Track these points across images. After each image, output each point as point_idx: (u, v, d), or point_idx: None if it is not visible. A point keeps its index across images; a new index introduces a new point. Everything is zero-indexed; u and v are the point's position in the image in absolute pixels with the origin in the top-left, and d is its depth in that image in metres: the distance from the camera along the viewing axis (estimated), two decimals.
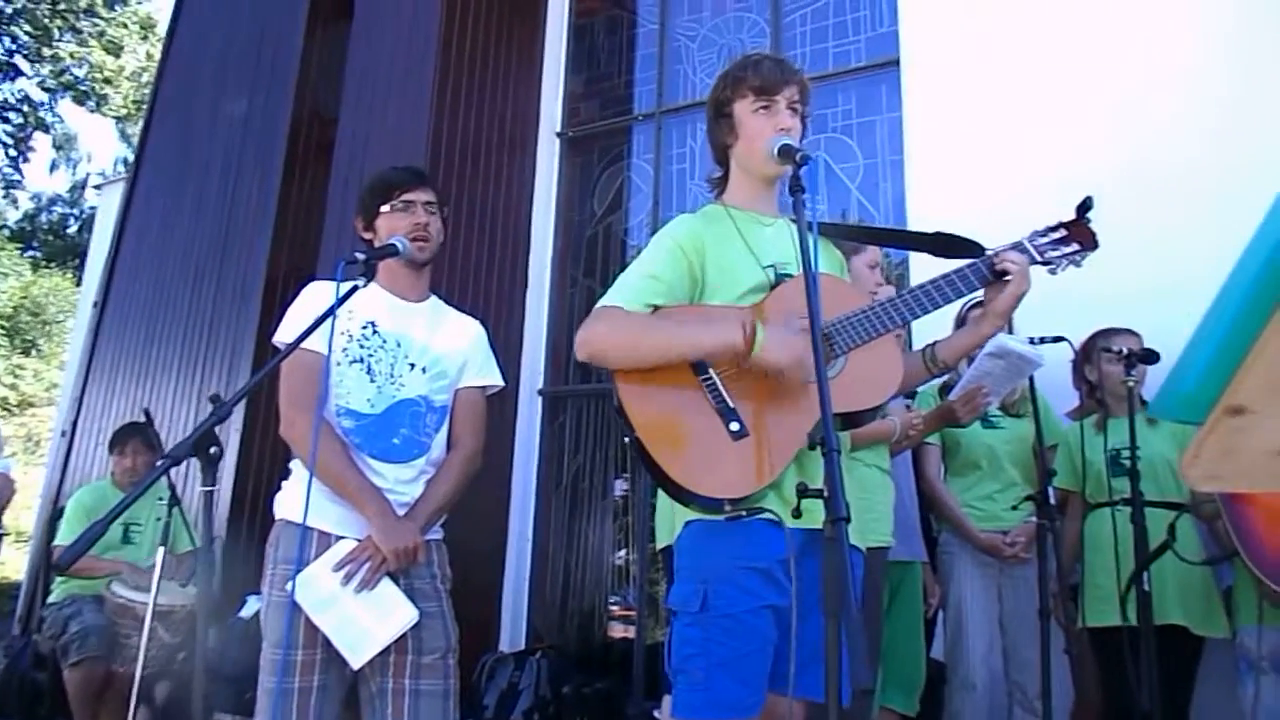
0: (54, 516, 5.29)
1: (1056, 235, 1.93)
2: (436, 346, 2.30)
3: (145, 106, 7.43)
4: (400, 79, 5.20)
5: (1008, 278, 1.86)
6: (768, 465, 1.69)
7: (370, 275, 2.08)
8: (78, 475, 5.94)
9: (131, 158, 8.50)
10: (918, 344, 2.11)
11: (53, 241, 22.48)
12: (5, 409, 18.31)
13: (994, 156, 3.98)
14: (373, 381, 2.20)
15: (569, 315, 5.35)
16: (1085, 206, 1.92)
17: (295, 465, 2.21)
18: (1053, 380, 3.13)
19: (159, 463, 1.68)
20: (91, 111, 20.55)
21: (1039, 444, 2.92)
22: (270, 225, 5.41)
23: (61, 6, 18.93)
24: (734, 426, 1.70)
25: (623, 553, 4.96)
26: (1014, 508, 3.04)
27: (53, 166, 22.36)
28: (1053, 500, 2.74)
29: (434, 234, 2.31)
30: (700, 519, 1.75)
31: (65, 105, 20.98)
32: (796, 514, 1.44)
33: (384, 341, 2.24)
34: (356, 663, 2.01)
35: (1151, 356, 2.74)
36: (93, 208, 16.42)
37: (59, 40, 19.35)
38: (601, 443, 5.12)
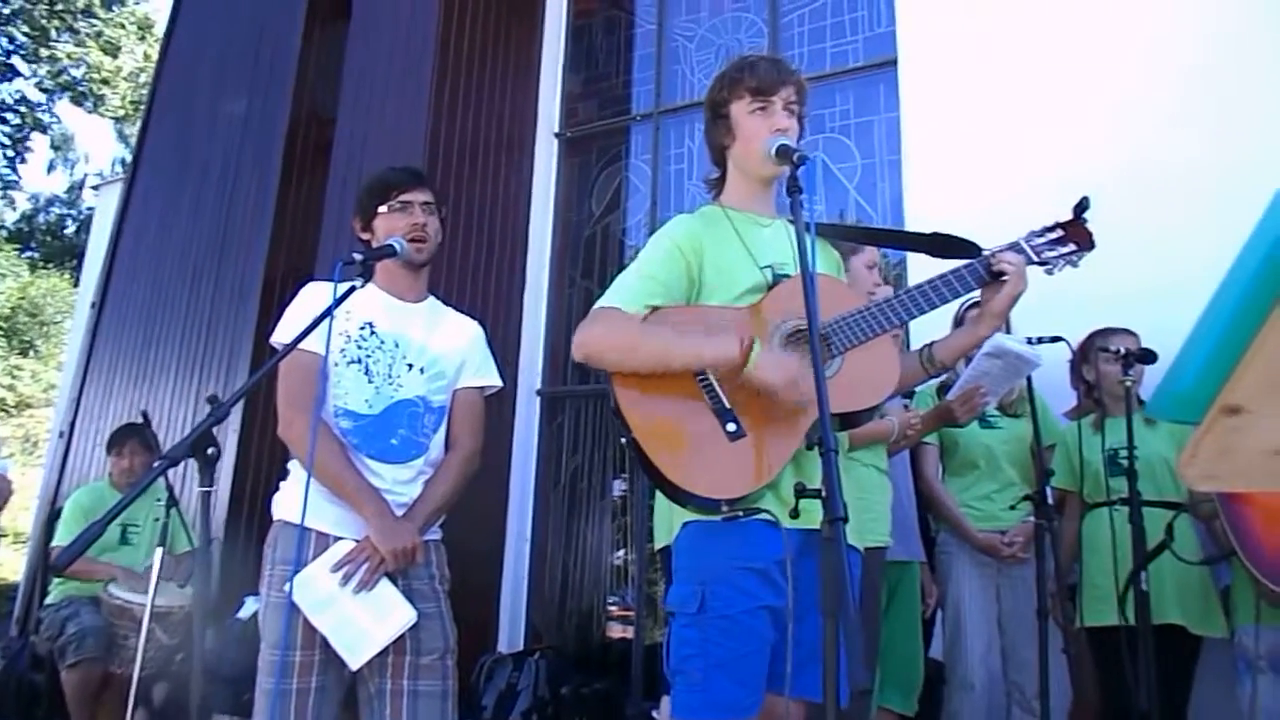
0: (52, 518, 5.28)
1: (1053, 235, 1.93)
2: (434, 347, 2.30)
3: (143, 107, 7.42)
4: (398, 79, 5.20)
5: (1004, 278, 1.86)
6: (765, 465, 1.69)
7: (368, 276, 2.08)
8: (75, 476, 5.93)
9: (129, 158, 8.49)
10: (916, 345, 2.11)
11: (50, 242, 22.45)
12: (3, 410, 18.29)
13: (991, 156, 3.99)
14: (370, 382, 2.20)
15: (567, 316, 5.34)
16: (1082, 207, 1.92)
17: (293, 466, 2.21)
18: (1050, 380, 3.13)
19: (156, 464, 1.68)
20: (89, 112, 20.55)
21: (1037, 444, 2.92)
22: (268, 226, 5.40)
23: (59, 7, 18.92)
24: (731, 427, 1.70)
25: (621, 553, 4.96)
26: (1012, 507, 3.04)
27: (50, 167, 22.37)
28: (1050, 500, 2.75)
29: (432, 234, 2.31)
30: (698, 520, 1.74)
31: (63, 106, 21.01)
32: (794, 514, 1.44)
33: (382, 342, 2.24)
34: (355, 663, 2.01)
35: (1149, 356, 2.74)
36: (90, 208, 16.40)
37: (56, 41, 19.34)
38: (600, 443, 5.12)
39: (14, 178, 20.95)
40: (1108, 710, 2.87)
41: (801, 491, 1.38)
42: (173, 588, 3.71)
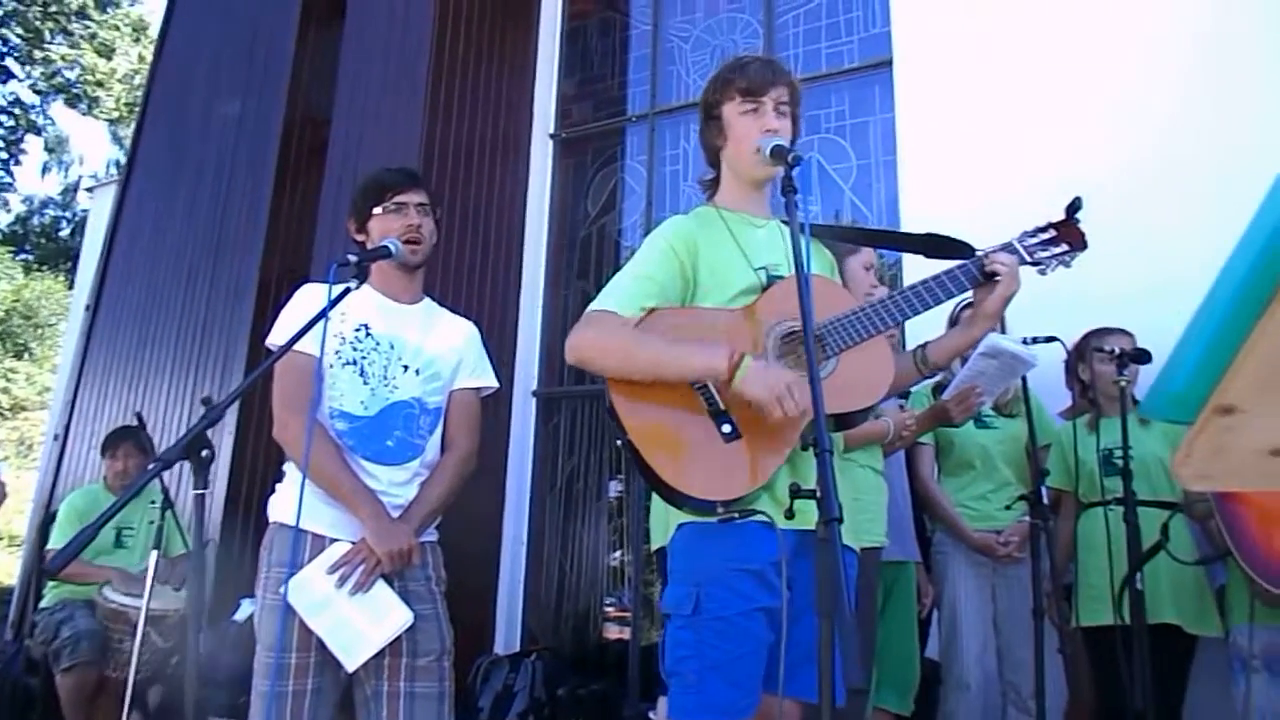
0: (46, 521, 5.27)
1: (1046, 236, 1.94)
2: (430, 348, 2.30)
3: (137, 109, 7.40)
4: (393, 81, 5.20)
5: (997, 279, 1.87)
6: (760, 467, 1.69)
7: (363, 277, 2.07)
8: (70, 479, 5.92)
9: (124, 160, 8.46)
10: (912, 345, 2.12)
11: (45, 244, 22.38)
12: None
13: (987, 157, 3.99)
14: (366, 384, 2.20)
15: (563, 317, 5.34)
16: (1074, 207, 1.93)
17: (289, 468, 2.21)
18: (1045, 380, 3.14)
19: (150, 466, 1.68)
20: (83, 114, 20.52)
21: (1032, 444, 2.93)
22: (263, 227, 5.39)
23: (53, 9, 18.88)
24: (726, 429, 1.71)
25: (618, 554, 4.95)
26: (1007, 507, 3.05)
27: (44, 169, 22.27)
28: (1046, 500, 2.75)
29: (426, 236, 2.31)
30: (693, 521, 1.74)
31: (57, 108, 20.98)
32: (789, 515, 1.44)
33: (377, 344, 2.24)
34: (351, 665, 2.01)
35: (1144, 356, 2.75)
36: (85, 210, 16.35)
37: (50, 43, 19.30)
38: (596, 444, 5.12)
39: (8, 180, 20.93)
40: (1103, 709, 2.87)
41: (796, 492, 1.38)
42: (168, 591, 3.69)
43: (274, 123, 5.64)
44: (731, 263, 1.86)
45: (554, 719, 4.05)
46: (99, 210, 9.59)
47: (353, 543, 2.07)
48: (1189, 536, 2.89)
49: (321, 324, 1.95)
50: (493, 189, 5.29)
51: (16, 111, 20.01)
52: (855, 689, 1.17)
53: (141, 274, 6.13)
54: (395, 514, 2.13)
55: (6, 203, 21.66)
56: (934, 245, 2.01)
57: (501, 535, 4.96)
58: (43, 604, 4.01)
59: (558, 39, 5.89)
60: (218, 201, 5.80)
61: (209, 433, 1.68)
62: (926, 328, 2.46)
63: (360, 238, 2.34)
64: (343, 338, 2.21)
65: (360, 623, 2.02)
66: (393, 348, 2.25)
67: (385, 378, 2.22)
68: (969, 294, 1.96)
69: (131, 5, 20.48)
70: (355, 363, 2.20)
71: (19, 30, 18.79)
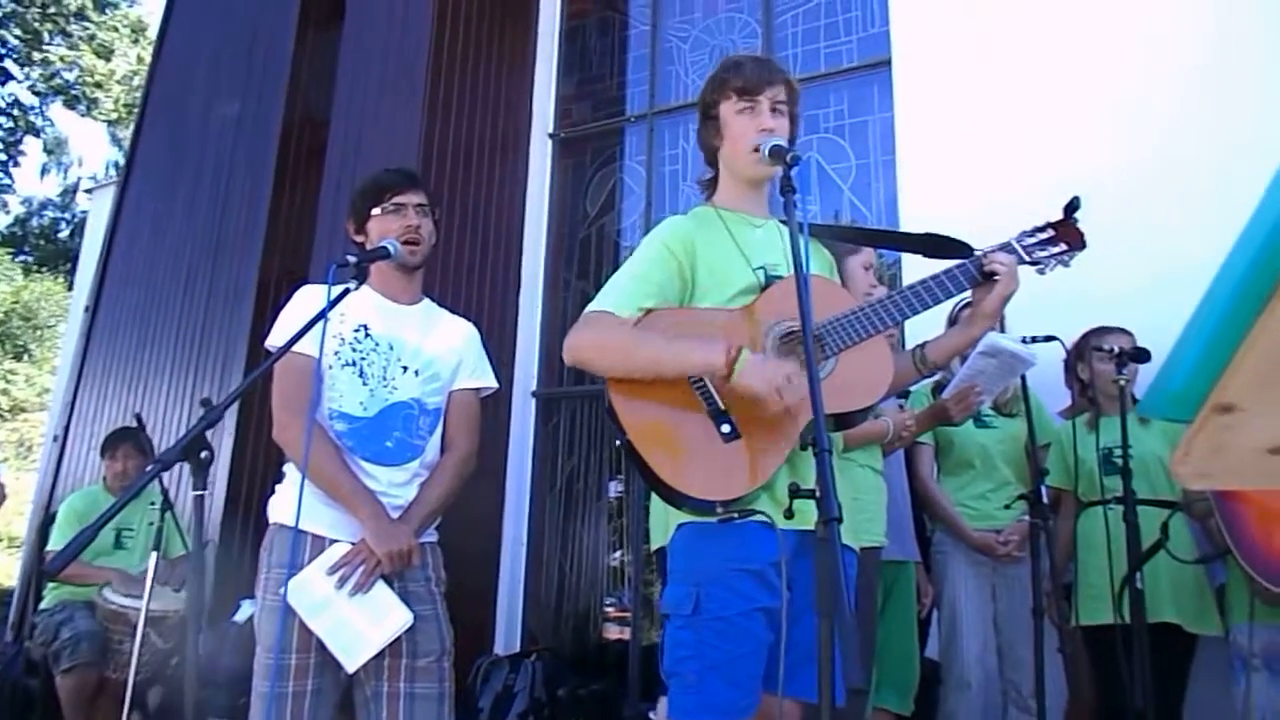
0: (46, 522, 5.27)
1: (1044, 235, 1.94)
2: (429, 349, 2.30)
3: (136, 110, 7.40)
4: (392, 82, 5.20)
5: (996, 278, 1.87)
6: (759, 467, 1.69)
7: (362, 278, 2.07)
8: (70, 480, 5.92)
9: (123, 161, 8.46)
10: (912, 345, 2.11)
11: (44, 246, 22.37)
12: None
13: (986, 156, 3.99)
14: (365, 384, 2.20)
15: (562, 317, 5.34)
16: (1072, 207, 1.93)
17: (289, 469, 2.20)
18: (1045, 379, 3.14)
19: (149, 468, 1.68)
20: (82, 115, 20.51)
21: (1031, 443, 2.93)
22: (262, 228, 5.39)
23: (52, 10, 18.88)
24: (725, 429, 1.70)
25: (618, 554, 4.95)
26: (1007, 507, 3.05)
27: (43, 171, 22.27)
28: (1045, 499, 2.75)
29: (425, 236, 2.31)
30: (692, 521, 1.74)
31: (56, 109, 20.96)
32: (789, 515, 1.44)
33: (376, 344, 2.24)
34: (351, 666, 2.01)
35: (1143, 355, 2.74)
36: (84, 212, 16.35)
37: (49, 44, 19.30)
38: (596, 444, 5.12)
39: (7, 182, 20.93)
40: (1103, 708, 2.87)
41: (796, 492, 1.38)
42: (168, 592, 3.69)
43: (273, 123, 5.64)
44: (730, 262, 1.86)
45: (554, 719, 4.05)
46: (98, 211, 9.59)
47: (352, 543, 2.07)
48: (1189, 535, 2.89)
49: (321, 325, 1.95)
50: (492, 189, 5.29)
51: (15, 113, 20.02)
52: (855, 689, 1.16)
53: (141, 275, 6.13)
54: (395, 515, 2.13)
55: (6, 204, 21.69)
56: (933, 245, 2.01)
57: (501, 536, 4.96)
58: (42, 605, 4.01)
59: (556, 39, 5.89)
60: (217, 202, 5.80)
61: (208, 434, 1.68)
62: (926, 327, 2.46)
63: (359, 239, 2.34)
64: (342, 339, 2.21)
65: (360, 624, 2.02)
66: (392, 348, 2.25)
67: (384, 378, 2.22)
68: (968, 293, 1.95)
69: (130, 6, 20.51)
70: (354, 364, 2.20)
71: (18, 32, 18.80)
